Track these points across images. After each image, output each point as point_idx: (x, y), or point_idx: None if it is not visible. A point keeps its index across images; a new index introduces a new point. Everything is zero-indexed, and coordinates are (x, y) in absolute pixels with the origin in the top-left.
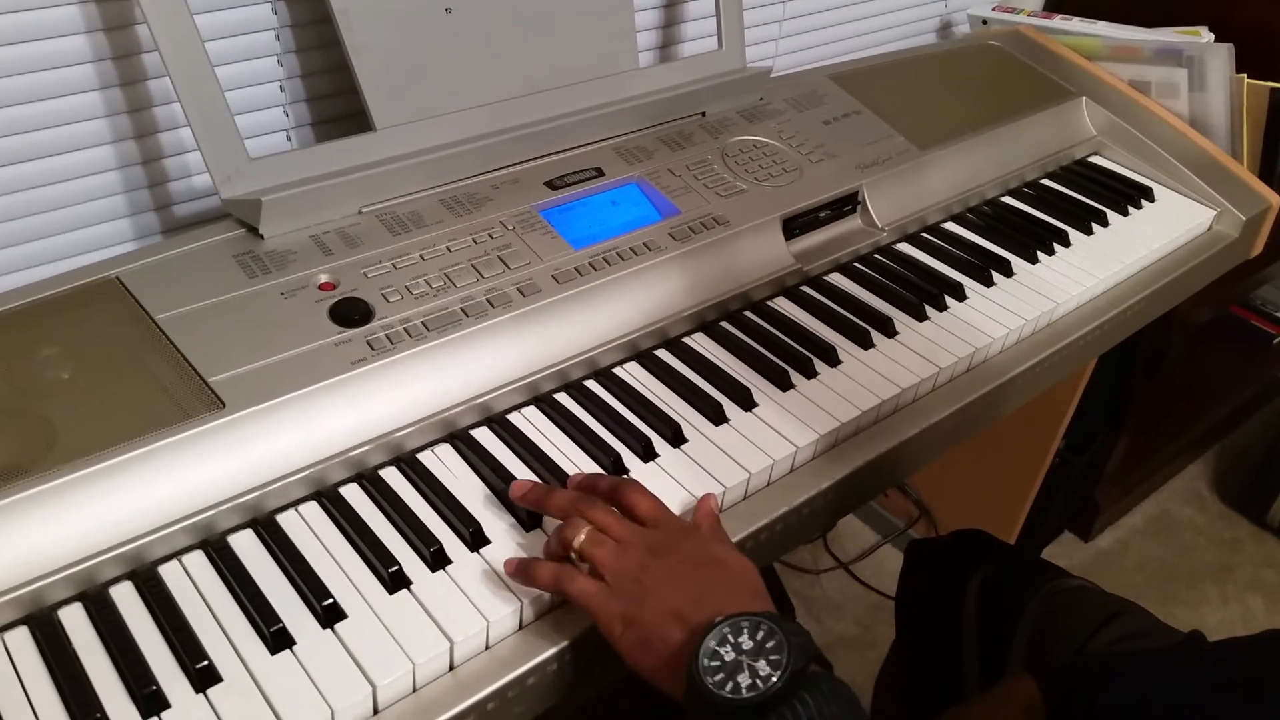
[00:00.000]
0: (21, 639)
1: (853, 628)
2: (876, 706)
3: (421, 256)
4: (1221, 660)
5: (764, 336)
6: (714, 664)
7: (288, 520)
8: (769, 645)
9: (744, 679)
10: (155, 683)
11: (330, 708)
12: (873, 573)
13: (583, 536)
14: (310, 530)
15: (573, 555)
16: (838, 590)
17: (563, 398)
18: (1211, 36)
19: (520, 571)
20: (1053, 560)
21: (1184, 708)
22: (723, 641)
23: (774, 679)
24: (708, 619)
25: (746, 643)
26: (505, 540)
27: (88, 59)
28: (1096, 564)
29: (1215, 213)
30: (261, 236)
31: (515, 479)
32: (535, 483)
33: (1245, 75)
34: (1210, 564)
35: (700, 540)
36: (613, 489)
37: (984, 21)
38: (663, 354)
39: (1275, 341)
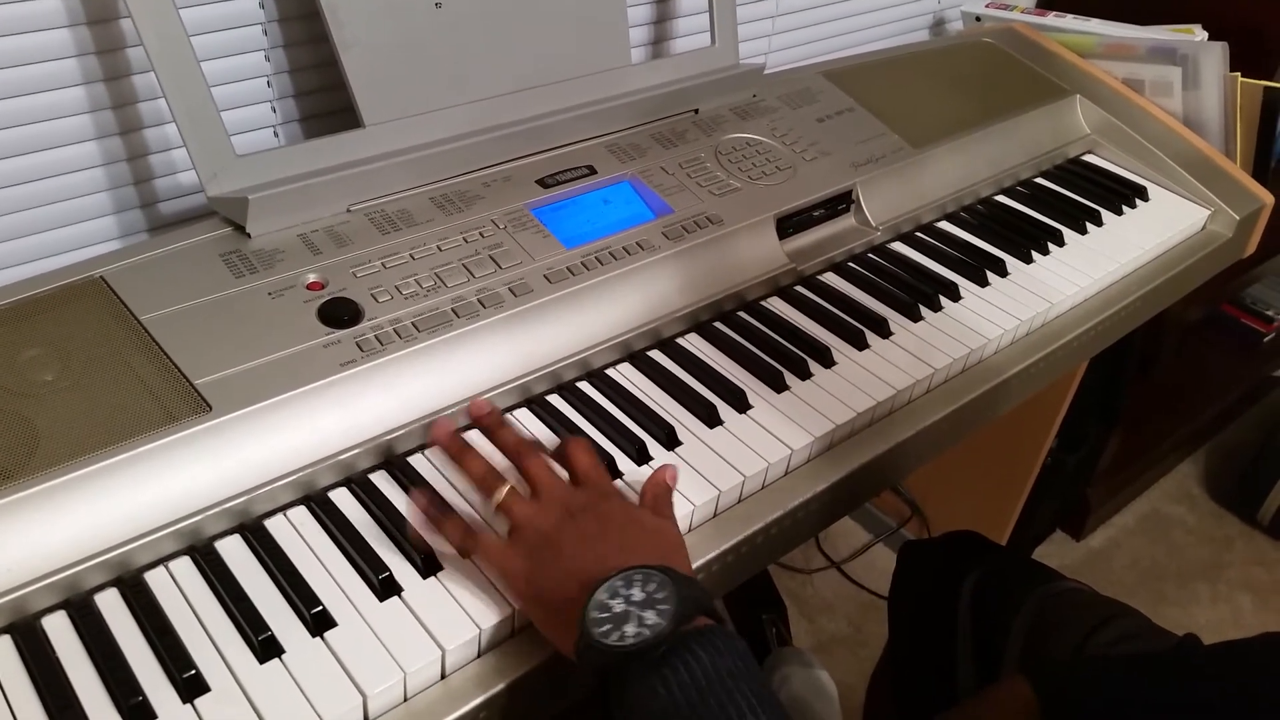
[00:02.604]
0: (4, 648)
1: (844, 627)
2: (870, 708)
3: (411, 256)
4: (1216, 663)
5: (758, 337)
6: (602, 615)
7: (276, 525)
8: (659, 596)
9: (631, 628)
10: (141, 692)
11: (320, 717)
12: (865, 572)
13: (502, 492)
14: (299, 536)
15: (490, 505)
16: (830, 589)
17: (555, 399)
18: (1205, 35)
19: (430, 517)
20: (1044, 559)
21: (1179, 711)
22: (614, 595)
23: (659, 626)
24: (607, 574)
25: (637, 594)
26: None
27: (71, 54)
28: (1088, 563)
29: (1209, 212)
30: (248, 235)
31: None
32: (495, 409)
33: (1239, 74)
34: (1201, 562)
35: (623, 504)
36: (563, 441)
37: (977, 18)
38: (656, 355)
39: (1266, 340)
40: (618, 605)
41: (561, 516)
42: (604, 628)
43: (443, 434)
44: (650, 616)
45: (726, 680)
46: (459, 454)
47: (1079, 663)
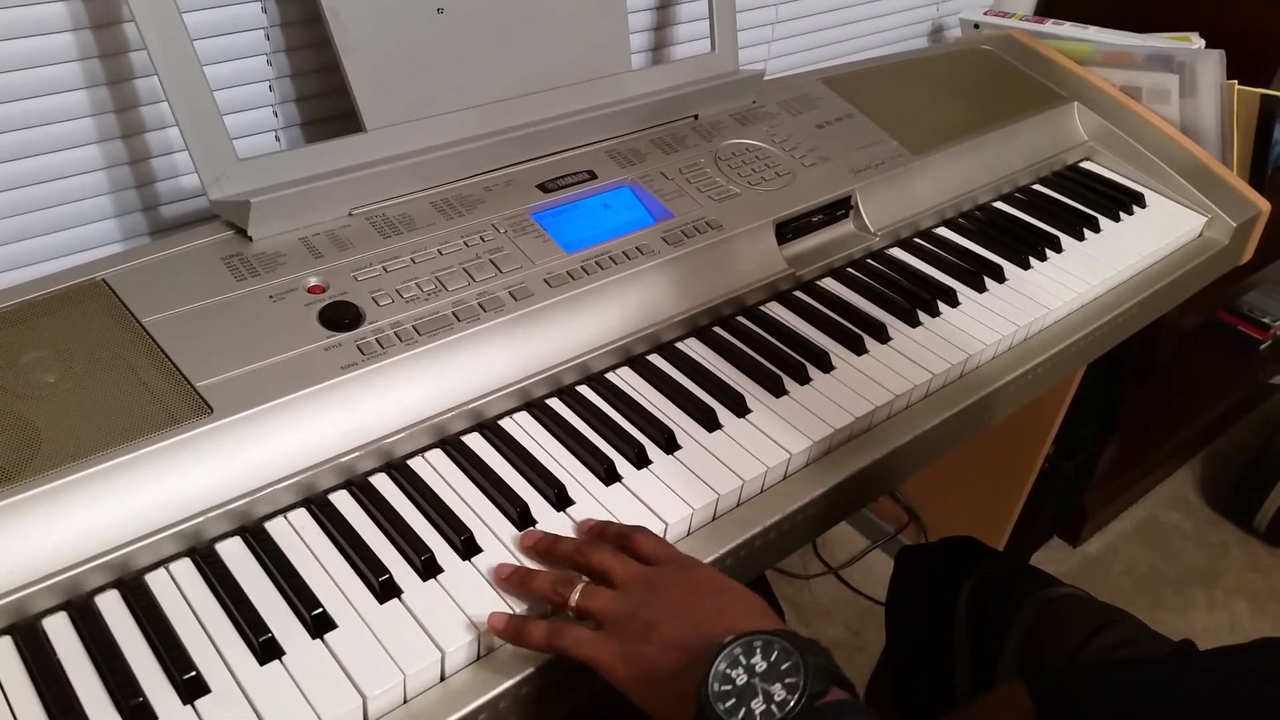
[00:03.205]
0: (5, 649)
1: (842, 632)
2: None
3: (412, 259)
4: (1213, 669)
5: (757, 342)
6: (725, 689)
7: (277, 528)
8: (784, 667)
9: (758, 705)
10: (142, 694)
11: (320, 719)
12: (862, 578)
13: (577, 595)
14: (299, 538)
15: (570, 613)
16: (827, 595)
17: (555, 403)
18: (1203, 43)
19: (510, 631)
20: (1041, 565)
21: (1175, 716)
22: (734, 664)
23: (791, 704)
24: (715, 642)
25: (760, 664)
26: (498, 548)
27: (74, 57)
28: (1085, 569)
29: (1206, 219)
30: (250, 238)
31: (511, 490)
32: (544, 533)
33: (1236, 81)
34: (1197, 569)
35: (703, 569)
36: (620, 533)
37: (976, 26)
38: (655, 359)
39: (1262, 347)
40: (739, 676)
41: (644, 592)
42: (728, 703)
43: (529, 545)
44: (779, 692)
45: None
46: (521, 582)
47: (1075, 669)
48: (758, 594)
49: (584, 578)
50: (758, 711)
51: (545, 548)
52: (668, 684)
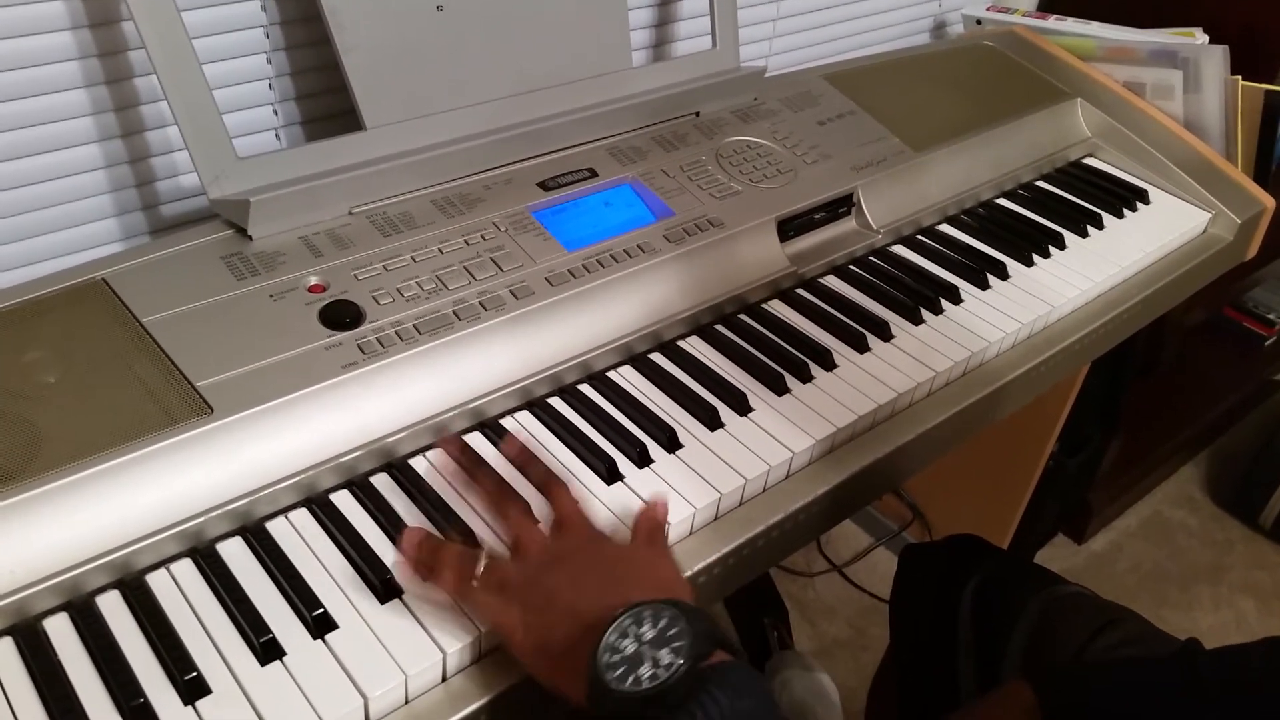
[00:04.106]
0: (6, 650)
1: (845, 630)
2: (871, 711)
3: (413, 258)
4: (1218, 668)
5: (759, 340)
6: (615, 658)
7: (277, 528)
8: (671, 633)
9: (645, 670)
10: (143, 694)
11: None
12: (866, 575)
13: (480, 567)
14: (300, 538)
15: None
16: (831, 593)
17: (556, 402)
18: (1206, 38)
19: (423, 569)
20: (1046, 563)
21: (1181, 716)
22: (623, 634)
23: (676, 666)
24: (609, 615)
25: (648, 632)
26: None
27: (73, 56)
28: (1090, 566)
29: (1210, 215)
30: (250, 237)
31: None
32: (468, 451)
33: (1240, 77)
34: (1202, 566)
35: (611, 543)
36: (543, 479)
37: (978, 21)
38: (657, 358)
39: (1268, 343)
40: (629, 645)
41: (547, 561)
42: (618, 671)
43: (412, 539)
44: (665, 656)
45: None
46: (433, 551)
47: (1080, 667)
48: (752, 592)
49: (484, 554)
50: (644, 676)
51: (470, 464)
52: (563, 655)
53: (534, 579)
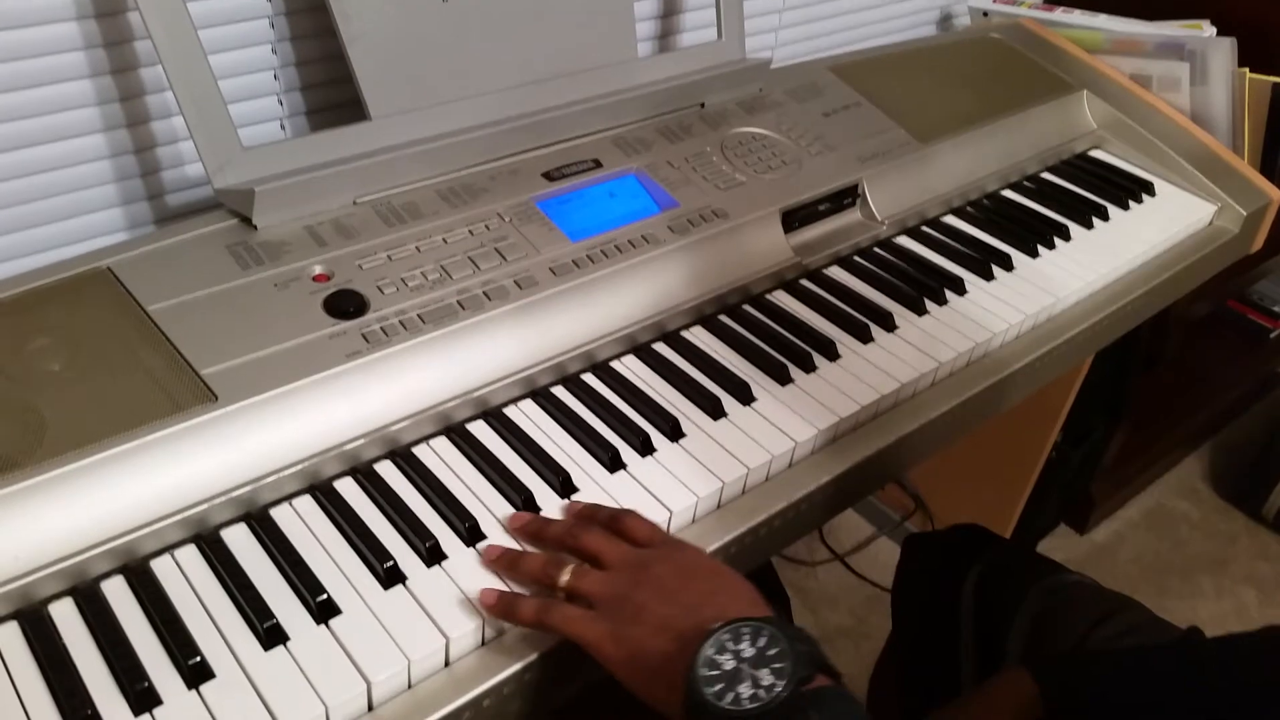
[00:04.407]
0: (11, 634)
1: (848, 619)
2: (872, 700)
3: (417, 248)
4: (1219, 656)
5: (763, 330)
6: (713, 673)
7: (281, 514)
8: (771, 653)
9: (745, 689)
10: (147, 679)
11: (325, 704)
12: (868, 565)
13: (567, 575)
14: (304, 525)
15: (560, 594)
16: (833, 582)
17: (560, 392)
18: (1214, 30)
19: (499, 608)
20: (1048, 553)
21: (1182, 703)
22: (721, 649)
23: (777, 689)
24: (704, 627)
25: (747, 650)
26: (502, 535)
27: (79, 46)
28: (1092, 557)
29: (1216, 207)
30: (255, 227)
31: (515, 478)
32: (534, 516)
33: (1247, 70)
34: (1205, 557)
35: (693, 551)
36: (611, 517)
37: (984, 14)
38: (661, 348)
39: (1272, 336)
40: (728, 662)
41: (635, 573)
42: (716, 687)
43: (516, 526)
44: (765, 677)
45: None
46: (511, 564)
47: (1081, 656)
48: (754, 580)
49: (574, 559)
50: (745, 696)
51: (535, 529)
52: (658, 668)
53: (622, 591)
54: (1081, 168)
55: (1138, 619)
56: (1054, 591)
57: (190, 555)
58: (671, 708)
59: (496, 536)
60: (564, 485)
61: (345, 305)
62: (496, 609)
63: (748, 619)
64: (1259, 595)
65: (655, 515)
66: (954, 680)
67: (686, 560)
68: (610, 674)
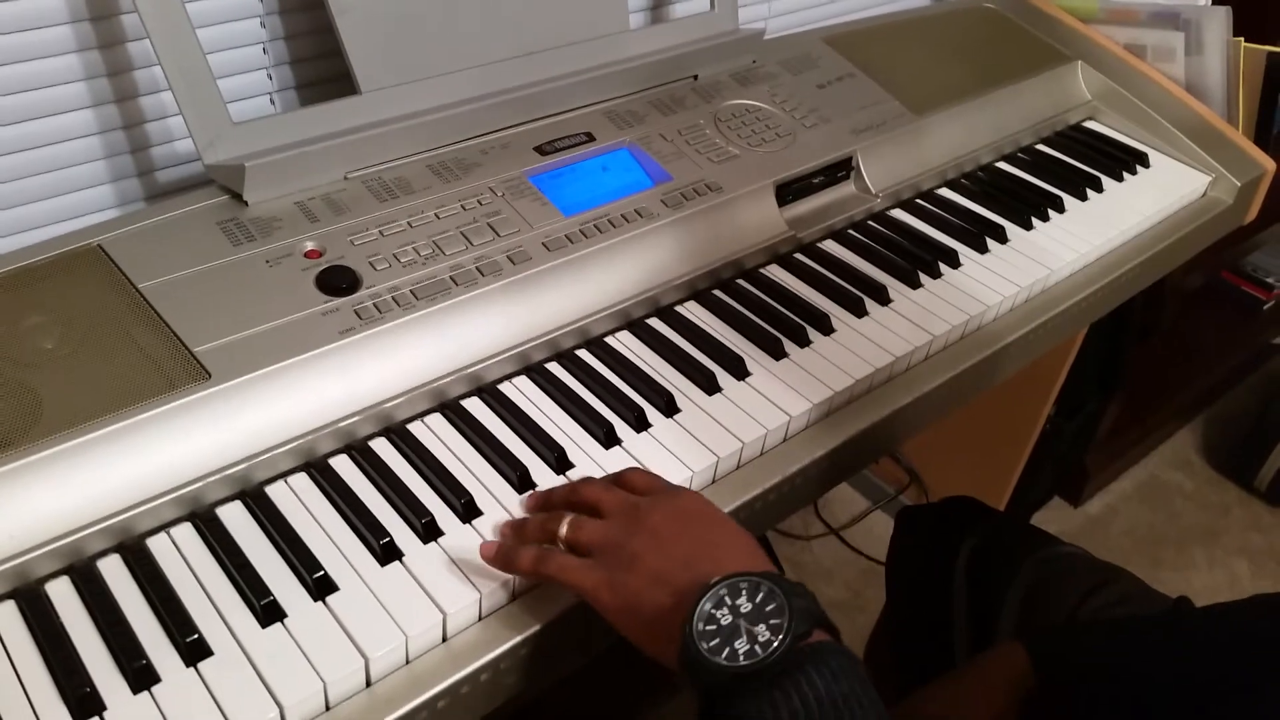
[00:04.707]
0: (9, 613)
1: (843, 593)
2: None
3: (409, 223)
4: (1208, 625)
5: (757, 304)
6: (709, 628)
7: (277, 492)
8: (769, 608)
9: (742, 645)
10: (145, 656)
11: (323, 680)
12: (863, 538)
13: (565, 527)
14: (300, 502)
15: (560, 545)
16: (828, 556)
17: (554, 367)
18: (1209, 0)
19: (499, 558)
20: (1043, 525)
21: (1172, 672)
22: (719, 604)
23: (774, 645)
24: (702, 580)
25: (745, 605)
26: (498, 511)
27: (64, 20)
28: (1086, 529)
29: (1210, 178)
30: (246, 203)
31: (510, 453)
32: (539, 491)
33: (1242, 39)
34: (1198, 528)
35: (690, 496)
36: (611, 477)
37: None
38: (655, 322)
39: (1266, 307)
40: (724, 617)
41: (631, 520)
42: (712, 642)
43: (528, 505)
44: (763, 632)
45: (841, 708)
46: (516, 530)
47: (1073, 626)
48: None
49: (571, 513)
50: (741, 651)
51: (541, 497)
52: (654, 619)
53: (617, 539)
54: (1075, 139)
55: (1129, 589)
56: (1046, 563)
57: (186, 533)
58: (669, 659)
59: (492, 512)
60: (559, 461)
61: (338, 281)
62: (496, 559)
63: (746, 574)
64: (1251, 566)
65: None
66: (949, 652)
67: (684, 506)
68: (608, 621)
